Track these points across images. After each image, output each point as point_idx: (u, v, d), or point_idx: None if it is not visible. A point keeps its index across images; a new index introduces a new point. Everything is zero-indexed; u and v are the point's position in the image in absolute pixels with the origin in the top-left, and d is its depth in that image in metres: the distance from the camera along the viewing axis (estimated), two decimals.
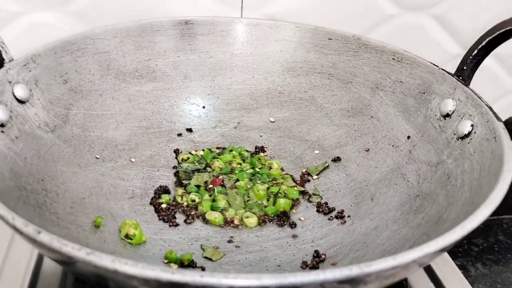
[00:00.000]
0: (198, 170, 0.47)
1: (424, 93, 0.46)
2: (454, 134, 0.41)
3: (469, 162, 0.38)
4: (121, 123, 0.49)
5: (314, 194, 0.46)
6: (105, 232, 0.39)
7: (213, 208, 0.43)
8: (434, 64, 0.46)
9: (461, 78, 0.43)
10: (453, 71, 0.44)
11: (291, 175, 0.48)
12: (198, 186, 0.45)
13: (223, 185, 0.46)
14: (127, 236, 0.39)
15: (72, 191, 0.41)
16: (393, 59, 0.49)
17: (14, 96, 0.40)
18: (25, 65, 0.42)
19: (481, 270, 0.49)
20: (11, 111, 0.39)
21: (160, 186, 0.45)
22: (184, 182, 0.46)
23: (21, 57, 0.42)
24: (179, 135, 0.52)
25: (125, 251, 0.37)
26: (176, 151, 0.50)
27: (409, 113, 0.46)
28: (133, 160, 0.48)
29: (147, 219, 0.42)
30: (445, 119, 0.43)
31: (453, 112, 0.42)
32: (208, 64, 0.54)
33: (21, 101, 0.41)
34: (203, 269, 0.37)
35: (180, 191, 0.45)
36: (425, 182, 0.41)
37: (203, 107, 0.53)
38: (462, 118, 0.41)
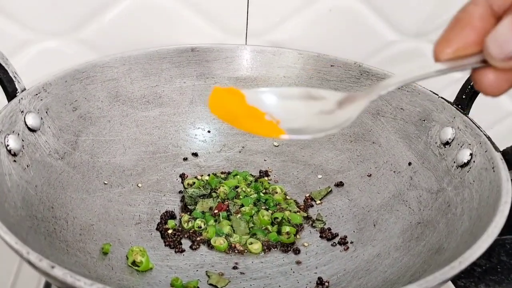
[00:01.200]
0: (203, 196, 0.48)
1: (424, 120, 0.47)
2: (454, 162, 0.42)
3: (468, 191, 0.39)
4: (128, 148, 0.50)
5: (318, 220, 0.47)
6: (112, 259, 0.40)
7: (217, 234, 0.44)
8: (434, 93, 0.47)
9: (460, 106, 0.44)
10: (454, 95, 0.46)
11: (294, 200, 0.49)
12: (203, 212, 0.46)
13: (228, 210, 0.47)
14: (134, 263, 0.40)
15: (80, 218, 0.42)
16: None
17: (26, 125, 0.41)
18: (36, 94, 0.43)
19: None
20: (23, 140, 0.41)
21: (166, 211, 0.46)
22: (190, 207, 0.47)
23: (33, 87, 0.43)
24: (185, 159, 0.53)
25: (132, 278, 0.38)
26: (182, 176, 0.51)
27: (410, 139, 0.47)
28: (140, 185, 0.49)
29: (154, 245, 0.43)
30: (445, 147, 0.44)
31: (452, 140, 0.43)
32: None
33: (32, 130, 0.42)
34: None
35: (186, 217, 0.46)
36: (426, 209, 0.42)
37: (209, 131, 0.55)
38: (461, 147, 0.42)
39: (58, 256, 0.35)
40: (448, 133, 0.44)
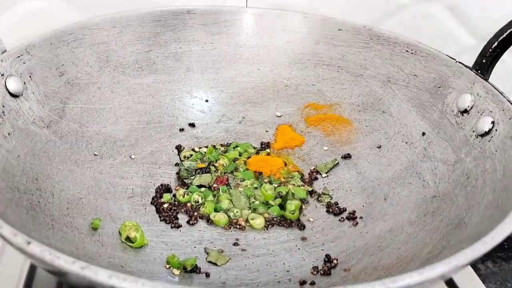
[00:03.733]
0: (200, 169, 0.45)
1: (439, 87, 0.43)
2: (473, 131, 0.39)
3: (490, 161, 0.36)
4: (120, 118, 0.47)
5: (324, 194, 0.43)
6: (103, 234, 0.37)
7: (216, 210, 0.41)
8: (450, 57, 0.43)
9: (479, 71, 0.41)
10: (467, 64, 0.42)
11: (299, 173, 0.46)
12: (200, 186, 0.43)
13: (228, 184, 0.44)
14: (127, 239, 0.36)
15: (68, 191, 0.39)
16: (407, 51, 0.46)
17: (7, 89, 0.38)
18: (19, 56, 0.40)
19: (491, 269, 0.47)
20: (3, 106, 0.37)
21: (162, 185, 0.43)
22: (186, 181, 0.44)
23: (14, 48, 0.40)
24: (181, 130, 0.49)
25: (124, 255, 0.35)
26: (178, 147, 0.48)
27: (424, 108, 0.44)
28: (133, 156, 0.45)
29: (148, 220, 0.40)
30: (462, 115, 0.41)
31: (471, 108, 0.40)
32: (212, 55, 0.51)
33: (14, 95, 0.39)
34: (207, 275, 0.35)
35: (182, 190, 0.42)
36: (442, 182, 0.39)
37: (206, 100, 0.51)
38: (481, 115, 0.39)
39: (42, 232, 0.32)
40: (467, 101, 0.40)
